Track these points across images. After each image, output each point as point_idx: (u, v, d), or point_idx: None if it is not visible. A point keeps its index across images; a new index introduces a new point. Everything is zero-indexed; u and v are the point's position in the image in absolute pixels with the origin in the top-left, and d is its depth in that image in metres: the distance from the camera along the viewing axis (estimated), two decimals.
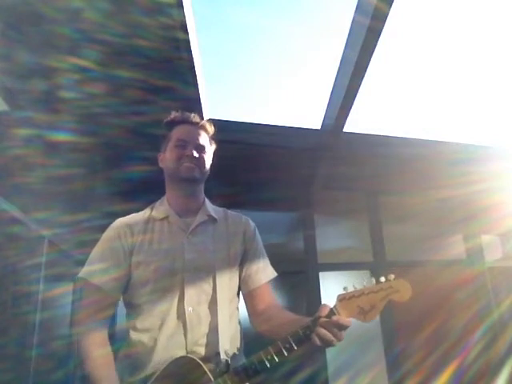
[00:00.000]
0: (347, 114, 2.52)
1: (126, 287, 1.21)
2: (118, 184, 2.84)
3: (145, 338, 1.14)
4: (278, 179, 3.05)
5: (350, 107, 2.45)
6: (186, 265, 1.19)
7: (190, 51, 1.98)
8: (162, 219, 1.26)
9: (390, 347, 3.10)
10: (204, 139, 1.32)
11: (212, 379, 1.05)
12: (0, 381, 1.76)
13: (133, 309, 1.20)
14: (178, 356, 1.09)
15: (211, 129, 1.36)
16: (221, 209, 1.37)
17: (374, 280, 1.09)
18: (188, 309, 1.15)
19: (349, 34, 2.16)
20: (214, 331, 1.14)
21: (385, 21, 1.89)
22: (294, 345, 1.03)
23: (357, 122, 2.75)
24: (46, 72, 2.04)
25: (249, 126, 2.81)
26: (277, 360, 1.03)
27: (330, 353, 3.00)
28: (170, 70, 2.13)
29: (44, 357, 2.17)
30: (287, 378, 2.70)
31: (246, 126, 2.79)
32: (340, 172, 3.07)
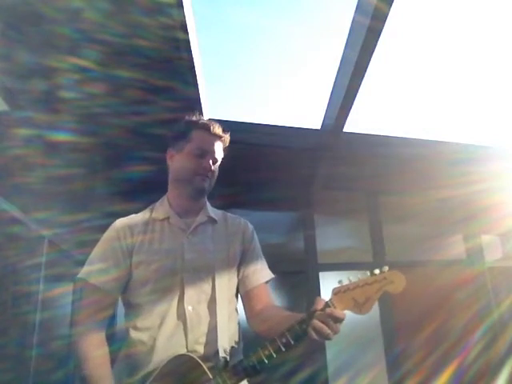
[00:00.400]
0: (347, 114, 2.52)
1: (126, 287, 1.21)
2: (117, 184, 2.85)
3: (144, 337, 1.14)
4: (277, 179, 3.05)
5: (350, 107, 2.45)
6: (185, 264, 1.19)
7: (190, 51, 1.98)
8: (162, 220, 1.27)
9: (390, 347, 3.10)
10: (221, 152, 1.31)
11: (211, 377, 1.05)
12: (0, 381, 1.76)
13: (132, 308, 1.20)
14: (178, 354, 1.09)
15: (228, 141, 1.35)
16: (220, 211, 1.38)
17: (368, 272, 1.09)
18: (188, 308, 1.15)
19: (349, 34, 2.16)
20: (213, 330, 1.15)
21: (385, 21, 1.89)
22: (291, 339, 1.03)
23: (357, 122, 2.75)
24: (46, 72, 2.04)
25: (249, 125, 2.81)
26: (275, 356, 1.03)
27: (330, 353, 3.00)
28: (170, 70, 2.13)
29: (44, 357, 2.16)
30: (287, 377, 2.70)
31: (246, 126, 2.78)
32: (340, 172, 3.07)
